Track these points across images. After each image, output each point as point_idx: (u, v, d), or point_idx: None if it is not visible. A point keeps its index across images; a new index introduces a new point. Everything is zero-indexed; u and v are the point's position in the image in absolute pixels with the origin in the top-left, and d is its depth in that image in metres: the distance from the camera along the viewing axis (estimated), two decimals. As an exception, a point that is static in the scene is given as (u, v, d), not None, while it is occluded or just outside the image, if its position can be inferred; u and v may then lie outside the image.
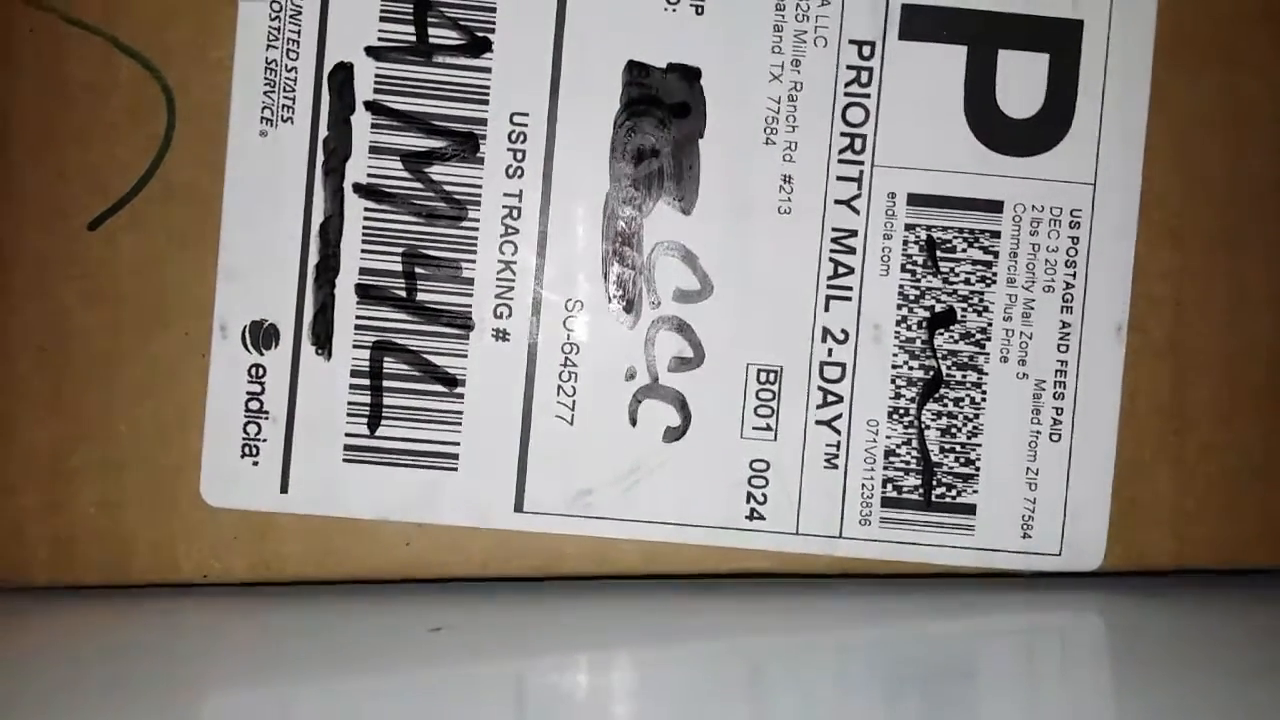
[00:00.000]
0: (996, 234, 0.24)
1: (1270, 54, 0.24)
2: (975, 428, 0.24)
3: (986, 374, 0.24)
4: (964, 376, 0.24)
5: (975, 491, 0.24)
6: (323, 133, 0.23)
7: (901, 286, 0.24)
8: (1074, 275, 0.24)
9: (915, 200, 0.24)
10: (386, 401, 0.24)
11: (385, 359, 0.24)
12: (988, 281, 0.24)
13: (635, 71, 0.24)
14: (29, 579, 0.24)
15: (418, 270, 0.24)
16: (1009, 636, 0.24)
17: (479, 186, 0.24)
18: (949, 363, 0.24)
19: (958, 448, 0.24)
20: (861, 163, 0.24)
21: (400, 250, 0.24)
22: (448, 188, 0.24)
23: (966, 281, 0.24)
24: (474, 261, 0.24)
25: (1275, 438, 0.24)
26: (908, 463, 0.24)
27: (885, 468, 0.24)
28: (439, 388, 0.24)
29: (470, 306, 0.24)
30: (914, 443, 0.24)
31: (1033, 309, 0.24)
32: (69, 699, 0.20)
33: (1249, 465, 0.24)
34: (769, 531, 0.24)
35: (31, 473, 0.23)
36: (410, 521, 0.24)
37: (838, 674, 0.22)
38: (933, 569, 0.24)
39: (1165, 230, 0.24)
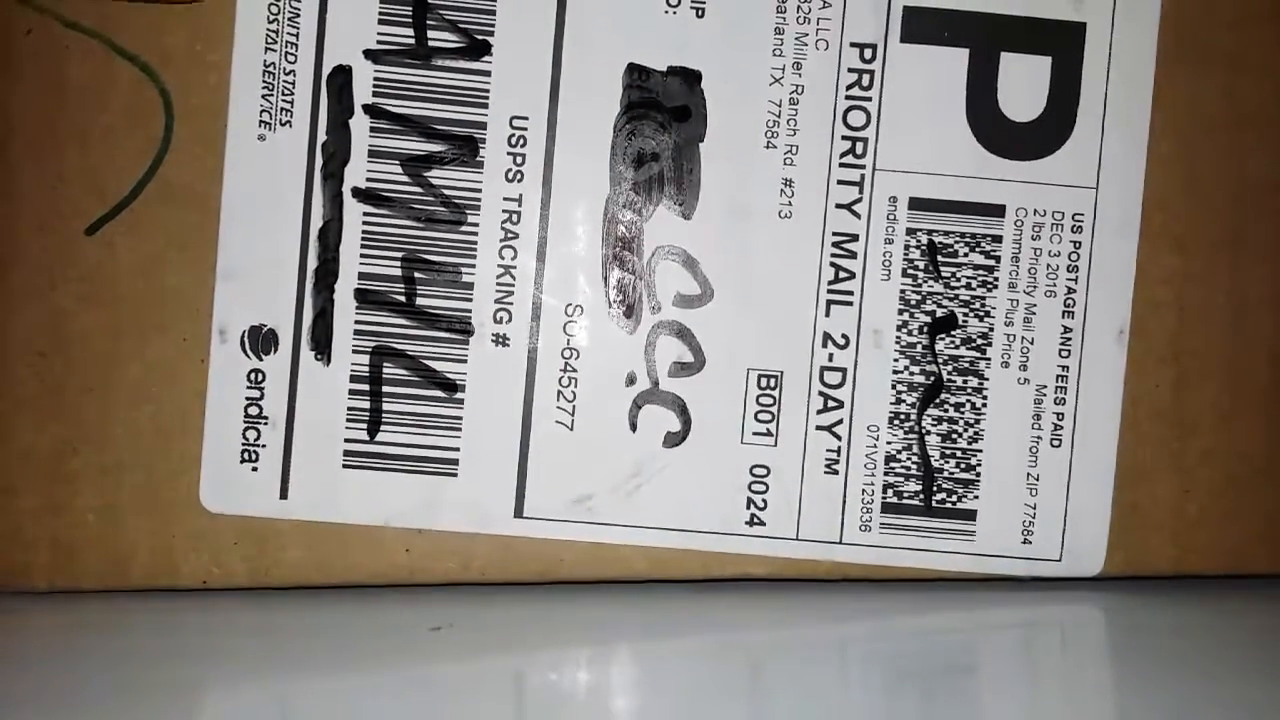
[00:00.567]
0: (998, 238, 0.24)
1: (1273, 57, 0.24)
2: (976, 433, 0.24)
3: (987, 379, 0.24)
4: (965, 382, 0.24)
5: (976, 497, 0.24)
6: (321, 136, 0.23)
7: (903, 291, 0.24)
8: (1075, 280, 0.24)
9: (917, 204, 0.24)
10: (386, 407, 0.24)
11: (385, 364, 0.24)
12: (989, 286, 0.24)
13: (635, 74, 0.24)
14: (28, 583, 0.24)
15: (417, 275, 0.24)
16: (1009, 632, 0.24)
17: (479, 191, 0.24)
18: (950, 368, 0.24)
19: (958, 453, 0.24)
20: (863, 166, 0.24)
21: (400, 255, 0.23)
22: (447, 192, 0.23)
23: (968, 286, 0.24)
24: (474, 266, 0.24)
25: (1277, 443, 0.24)
26: (908, 468, 0.24)
27: (886, 473, 0.24)
28: (439, 393, 0.24)
29: (470, 311, 0.24)
30: (915, 448, 0.24)
31: (1034, 314, 0.24)
32: (69, 701, 0.20)
33: (1250, 471, 0.24)
34: (769, 537, 0.24)
35: (30, 477, 0.23)
36: (410, 527, 0.24)
37: (838, 670, 0.22)
38: (933, 574, 0.24)
39: (1167, 234, 0.24)
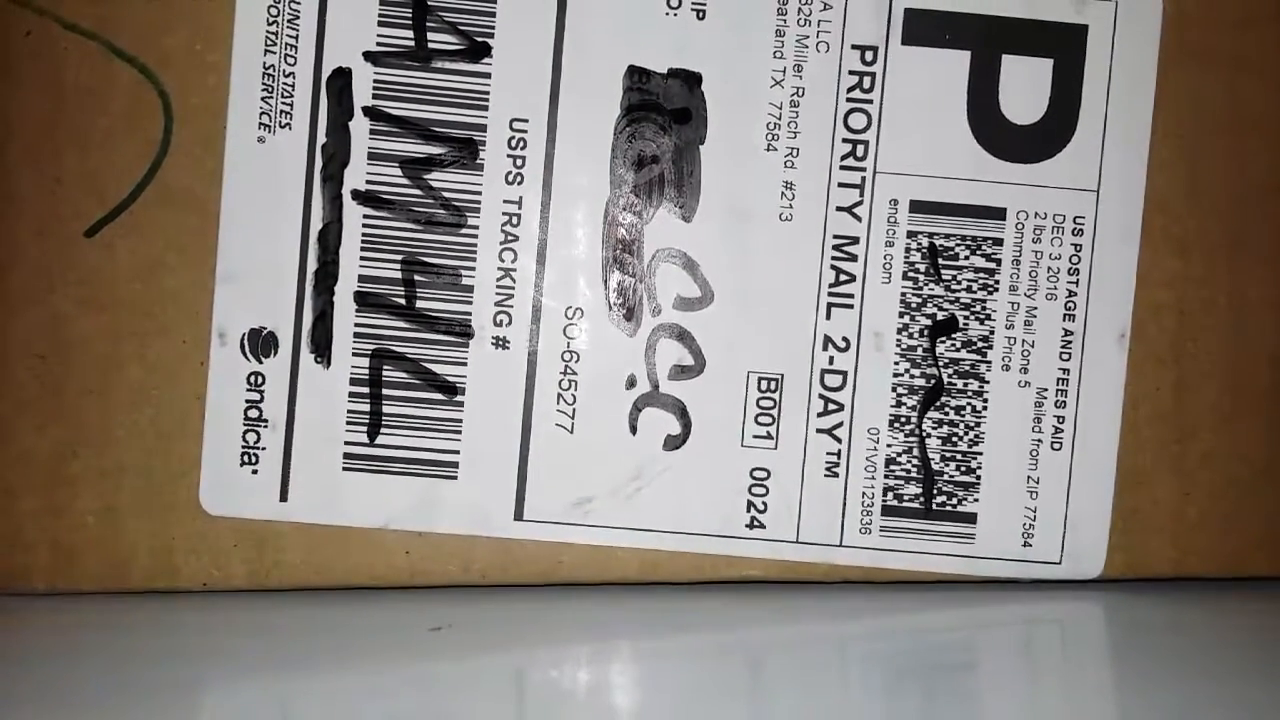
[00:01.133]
0: (999, 241, 0.24)
1: (1276, 59, 0.24)
2: (976, 436, 0.24)
3: (988, 382, 0.24)
4: (965, 385, 0.24)
5: (976, 500, 0.24)
6: (321, 138, 0.23)
7: (903, 294, 0.24)
8: (1076, 283, 0.24)
9: (917, 207, 0.24)
10: (386, 409, 0.24)
11: (385, 367, 0.24)
12: (990, 289, 0.24)
13: (636, 77, 0.24)
14: (28, 585, 0.24)
15: (417, 277, 0.23)
16: (1009, 631, 0.24)
17: (478, 193, 0.24)
18: (950, 371, 0.24)
19: (959, 456, 0.24)
20: (863, 169, 0.24)
21: (399, 257, 0.23)
22: (447, 194, 0.23)
23: (969, 289, 0.24)
24: (473, 269, 0.24)
25: (1277, 446, 0.24)
26: (908, 471, 0.24)
27: (886, 476, 0.24)
28: (438, 395, 0.24)
29: (470, 314, 0.24)
30: (915, 451, 0.24)
31: (1035, 317, 0.24)
32: (69, 701, 0.20)
33: (1251, 474, 0.24)
34: (769, 540, 0.24)
35: (30, 479, 0.23)
36: (410, 530, 0.24)
37: (838, 668, 0.22)
38: (933, 577, 0.24)
39: (1169, 237, 0.24)
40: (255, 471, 0.23)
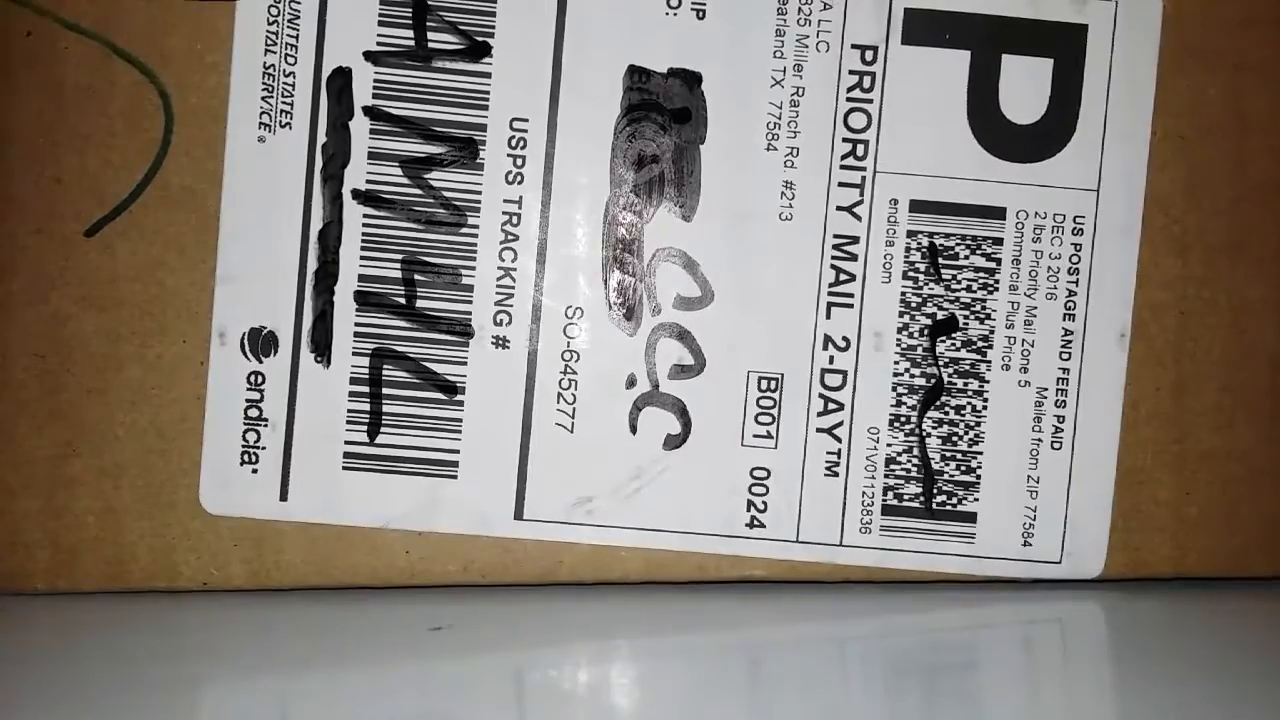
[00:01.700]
0: (999, 240, 0.24)
1: (1276, 59, 0.24)
2: (976, 435, 0.24)
3: (988, 382, 0.24)
4: (965, 384, 0.24)
5: (976, 499, 0.24)
6: (321, 138, 0.23)
7: (903, 293, 0.24)
8: (1076, 282, 0.24)
9: (917, 206, 0.24)
10: (386, 409, 0.24)
11: (385, 366, 0.24)
12: (990, 289, 0.24)
13: (636, 76, 0.24)
14: (28, 585, 0.24)
15: (417, 277, 0.23)
16: (1009, 630, 0.24)
17: (479, 192, 0.24)
18: (950, 370, 0.24)
19: (959, 455, 0.24)
20: (864, 169, 0.24)
21: (399, 257, 0.23)
22: (447, 194, 0.23)
23: (969, 289, 0.24)
24: (474, 268, 0.24)
25: (1277, 446, 0.24)
26: (909, 470, 0.24)
27: (886, 475, 0.24)
28: (439, 395, 0.24)
29: (470, 313, 0.24)
30: (915, 450, 0.24)
31: (1035, 316, 0.24)
32: (69, 701, 0.19)
33: (1251, 473, 0.24)
34: (769, 539, 0.24)
35: (30, 479, 0.23)
36: (410, 529, 0.24)
37: (838, 668, 0.22)
38: (933, 577, 0.24)
39: (1169, 237, 0.24)
40: (255, 471, 0.23)
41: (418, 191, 0.23)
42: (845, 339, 0.24)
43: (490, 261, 0.24)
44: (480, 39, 0.23)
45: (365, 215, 0.23)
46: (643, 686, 0.21)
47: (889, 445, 0.24)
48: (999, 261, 0.24)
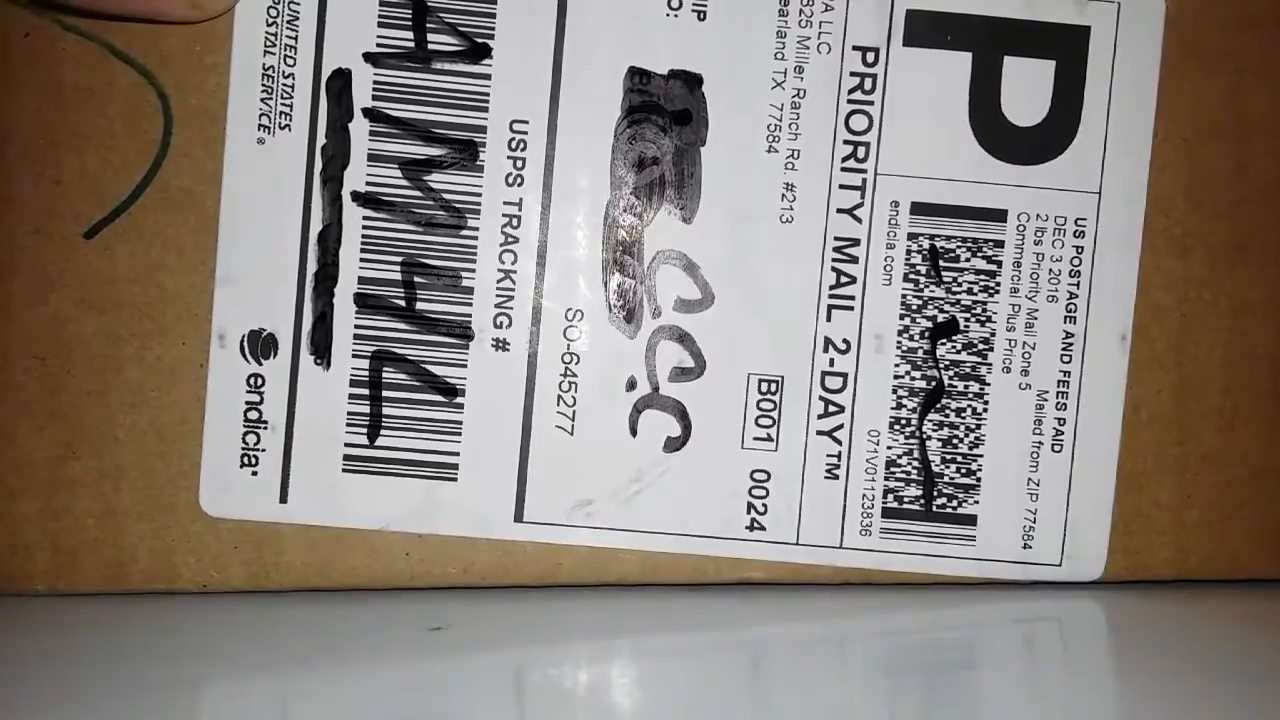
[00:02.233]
0: (1000, 243, 0.24)
1: (1277, 61, 0.24)
2: (977, 438, 0.24)
3: (989, 384, 0.24)
4: (966, 387, 0.24)
5: (976, 502, 0.24)
6: (320, 140, 0.23)
7: (904, 296, 0.24)
8: (1078, 285, 0.24)
9: (918, 209, 0.24)
10: (386, 411, 0.24)
11: (385, 369, 0.23)
12: (991, 291, 0.24)
13: (636, 78, 0.23)
14: (28, 587, 0.24)
15: (417, 279, 0.23)
16: (1009, 630, 0.24)
17: (479, 195, 0.23)
18: (951, 373, 0.24)
19: (959, 458, 0.24)
20: (864, 171, 0.24)
21: (399, 259, 0.23)
22: (447, 196, 0.23)
23: (969, 291, 0.24)
24: (474, 270, 0.23)
25: (1278, 449, 0.24)
26: (909, 473, 0.24)
27: (886, 478, 0.24)
28: (439, 397, 0.24)
29: (470, 316, 0.24)
30: (915, 453, 0.24)
31: (1036, 319, 0.24)
32: (69, 701, 0.20)
33: (1252, 476, 0.24)
34: (770, 542, 0.24)
35: (30, 481, 0.23)
36: (410, 531, 0.24)
37: (838, 667, 0.22)
38: (934, 579, 0.24)
39: (1170, 239, 0.24)
40: (255, 473, 0.23)
41: (417, 193, 0.23)
42: (846, 341, 0.24)
43: (490, 264, 0.24)
44: (480, 40, 0.23)
45: (365, 217, 0.23)
46: (643, 686, 0.21)
47: (889, 448, 0.24)
48: (1000, 264, 0.24)
